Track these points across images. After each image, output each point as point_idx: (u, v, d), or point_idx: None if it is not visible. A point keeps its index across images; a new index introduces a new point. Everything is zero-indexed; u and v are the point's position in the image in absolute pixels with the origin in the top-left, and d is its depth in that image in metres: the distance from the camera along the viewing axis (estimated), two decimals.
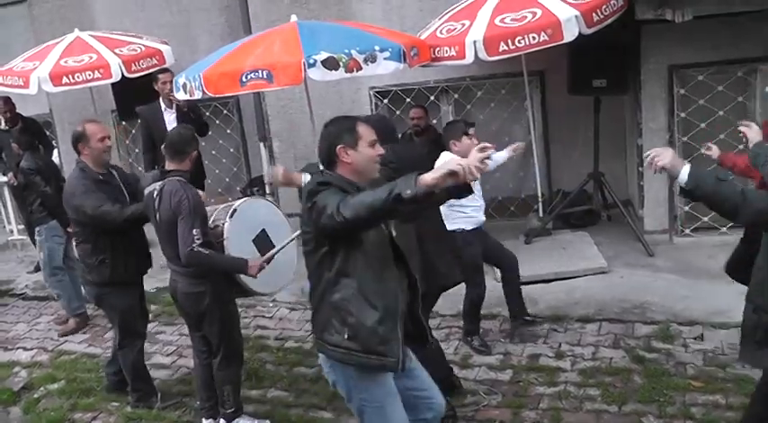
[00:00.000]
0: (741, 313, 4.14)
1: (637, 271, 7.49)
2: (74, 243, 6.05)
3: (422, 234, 5.05)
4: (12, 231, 10.71)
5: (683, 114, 7.83)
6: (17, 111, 9.84)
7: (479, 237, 6.13)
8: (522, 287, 6.46)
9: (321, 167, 3.84)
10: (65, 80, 8.85)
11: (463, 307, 6.35)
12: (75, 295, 7.70)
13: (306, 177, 4.73)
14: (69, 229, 6.88)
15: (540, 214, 8.56)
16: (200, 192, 7.46)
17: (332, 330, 3.68)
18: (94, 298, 6.01)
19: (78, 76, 8.85)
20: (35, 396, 6.37)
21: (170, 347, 7.01)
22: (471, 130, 6.27)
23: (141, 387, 5.92)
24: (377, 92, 9.30)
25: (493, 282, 7.31)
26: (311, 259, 3.72)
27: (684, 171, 3.62)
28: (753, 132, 4.62)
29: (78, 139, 5.56)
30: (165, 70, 8.69)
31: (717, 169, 5.03)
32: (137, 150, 10.99)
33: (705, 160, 5.77)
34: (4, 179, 9.68)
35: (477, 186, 6.00)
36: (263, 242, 5.24)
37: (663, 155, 3.70)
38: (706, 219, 7.77)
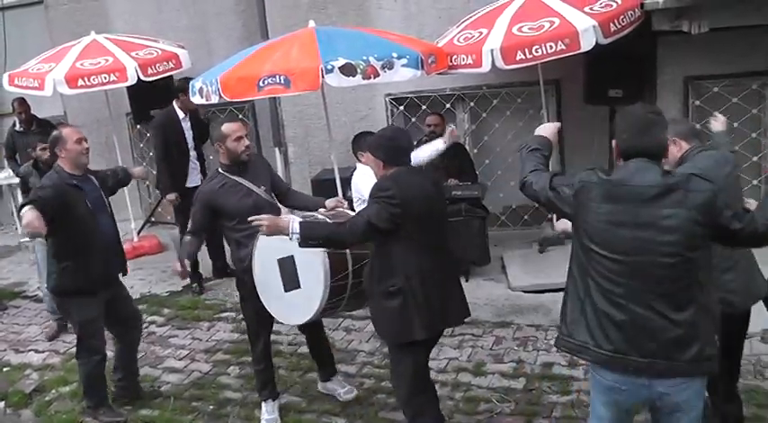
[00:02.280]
0: None
1: None
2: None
3: None
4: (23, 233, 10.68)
5: (697, 125, 7.82)
6: (32, 112, 9.92)
7: None
8: (536, 296, 6.46)
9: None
10: (80, 83, 8.87)
11: None
12: None
13: (294, 224, 4.34)
14: None
15: (554, 223, 8.54)
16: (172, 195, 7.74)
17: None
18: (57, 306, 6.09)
19: (94, 79, 8.86)
20: (47, 399, 6.37)
21: (182, 352, 7.00)
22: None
23: (92, 398, 5.88)
24: (393, 99, 9.32)
25: (507, 290, 7.34)
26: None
27: None
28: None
29: (55, 143, 5.58)
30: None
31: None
32: (150, 154, 11.03)
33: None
34: (17, 181, 9.70)
35: None
36: (286, 267, 4.98)
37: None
38: None
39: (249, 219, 4.51)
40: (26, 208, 5.09)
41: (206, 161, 8.97)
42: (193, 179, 8.57)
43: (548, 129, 4.09)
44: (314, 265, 4.80)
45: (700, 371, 3.43)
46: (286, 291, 5.01)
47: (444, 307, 4.57)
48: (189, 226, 5.51)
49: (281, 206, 5.63)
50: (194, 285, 8.50)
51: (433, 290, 4.49)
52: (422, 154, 6.68)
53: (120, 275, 5.95)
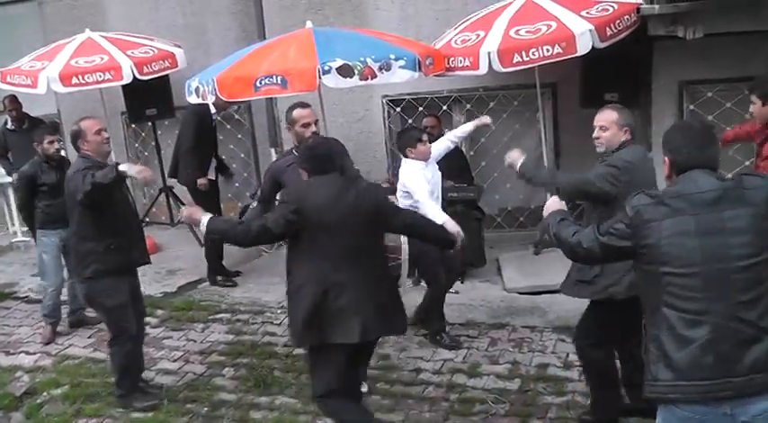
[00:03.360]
0: None
1: None
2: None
3: None
4: (15, 233, 10.63)
5: None
6: (24, 110, 9.87)
7: None
8: (532, 297, 6.47)
9: None
10: (75, 81, 8.80)
11: (424, 306, 6.68)
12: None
13: (205, 218, 4.72)
14: None
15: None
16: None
17: None
18: (85, 296, 6.10)
19: (89, 77, 8.80)
20: (38, 401, 6.26)
21: (177, 353, 6.95)
22: (424, 137, 6.52)
23: (124, 385, 5.95)
24: (389, 100, 9.32)
25: (502, 291, 7.35)
26: None
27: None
28: None
29: (76, 137, 5.70)
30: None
31: None
32: (146, 154, 11.02)
33: None
34: (9, 180, 9.67)
35: (434, 191, 6.40)
36: None
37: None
38: None
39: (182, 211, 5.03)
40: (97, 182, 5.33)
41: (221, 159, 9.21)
42: (210, 173, 8.77)
43: (556, 203, 4.08)
44: None
45: None
46: None
47: (362, 317, 4.53)
48: (258, 195, 6.05)
49: None
50: (220, 279, 8.63)
51: (341, 299, 4.51)
52: (452, 136, 7.01)
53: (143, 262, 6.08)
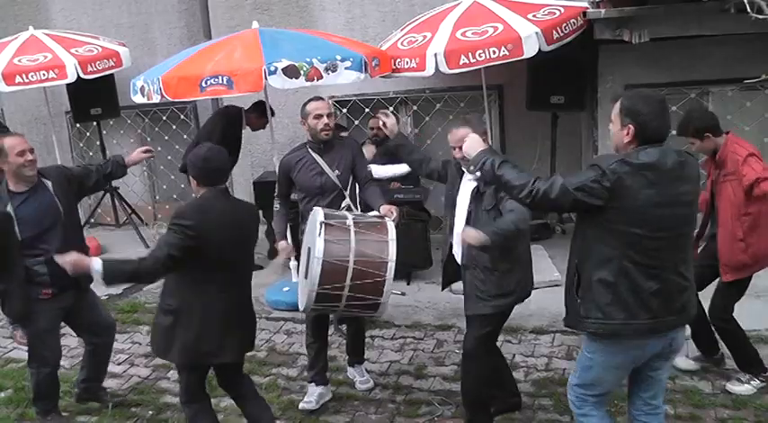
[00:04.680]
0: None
1: None
2: None
3: None
4: None
5: None
6: None
7: None
8: None
9: None
10: (18, 79, 8.60)
11: None
12: None
13: (96, 262, 4.25)
14: None
15: None
16: None
17: None
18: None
19: (32, 76, 8.61)
20: None
21: (121, 356, 6.85)
22: (367, 142, 6.65)
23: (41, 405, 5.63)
24: (336, 101, 9.31)
25: (448, 293, 7.35)
26: None
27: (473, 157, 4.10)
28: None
29: None
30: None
31: None
32: (91, 154, 10.86)
33: None
34: None
35: None
36: (308, 256, 5.12)
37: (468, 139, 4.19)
38: None
39: (56, 258, 4.42)
40: None
41: None
42: None
43: (479, 141, 4.17)
44: (312, 267, 4.85)
45: (691, 317, 4.07)
46: (305, 276, 5.12)
47: (219, 343, 4.53)
48: (276, 190, 5.89)
49: (346, 195, 5.69)
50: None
51: (207, 323, 4.46)
52: (383, 172, 6.82)
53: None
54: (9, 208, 5.07)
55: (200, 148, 4.66)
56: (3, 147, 5.07)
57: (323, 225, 4.87)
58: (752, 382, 5.44)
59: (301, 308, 5.16)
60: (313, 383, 5.71)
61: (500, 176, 3.90)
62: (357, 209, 5.71)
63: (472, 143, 4.14)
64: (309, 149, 5.66)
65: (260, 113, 8.04)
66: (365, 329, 6.25)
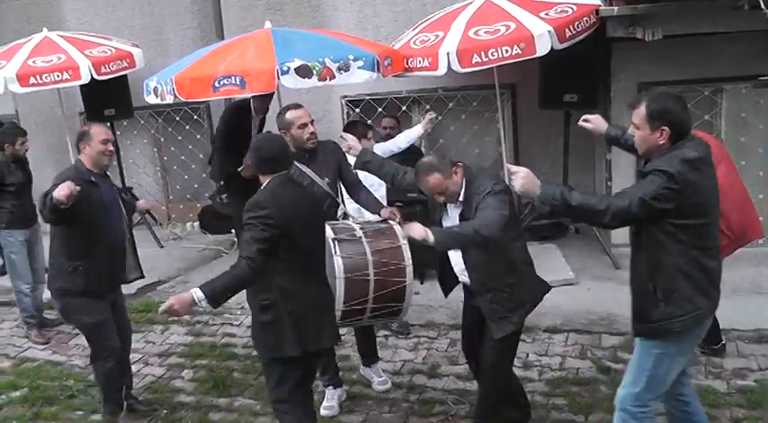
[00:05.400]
0: None
1: (603, 283, 7.56)
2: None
3: None
4: None
5: None
6: None
7: None
8: None
9: None
10: (32, 81, 8.64)
11: None
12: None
13: (199, 294, 4.11)
14: None
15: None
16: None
17: None
18: (60, 310, 5.79)
19: (47, 77, 8.65)
20: None
21: (136, 355, 6.84)
22: (370, 134, 6.55)
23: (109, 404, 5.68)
24: (349, 101, 9.33)
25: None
26: None
27: (538, 195, 3.94)
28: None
29: (81, 138, 5.43)
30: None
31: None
32: None
33: None
34: None
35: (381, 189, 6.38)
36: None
37: (517, 177, 3.96)
38: None
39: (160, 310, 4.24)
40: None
41: None
42: None
43: (532, 177, 3.99)
44: (334, 287, 4.80)
45: None
46: None
47: (319, 327, 4.46)
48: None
49: (339, 202, 5.58)
50: None
51: (307, 309, 4.40)
52: (388, 147, 6.80)
53: (125, 281, 5.76)
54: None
55: (254, 139, 4.79)
56: (90, 131, 5.42)
57: (335, 241, 4.81)
58: None
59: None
60: (330, 387, 5.70)
61: (577, 207, 3.86)
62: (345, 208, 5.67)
63: (529, 180, 3.94)
64: (294, 161, 5.17)
65: (262, 98, 7.87)
66: (375, 331, 6.23)
